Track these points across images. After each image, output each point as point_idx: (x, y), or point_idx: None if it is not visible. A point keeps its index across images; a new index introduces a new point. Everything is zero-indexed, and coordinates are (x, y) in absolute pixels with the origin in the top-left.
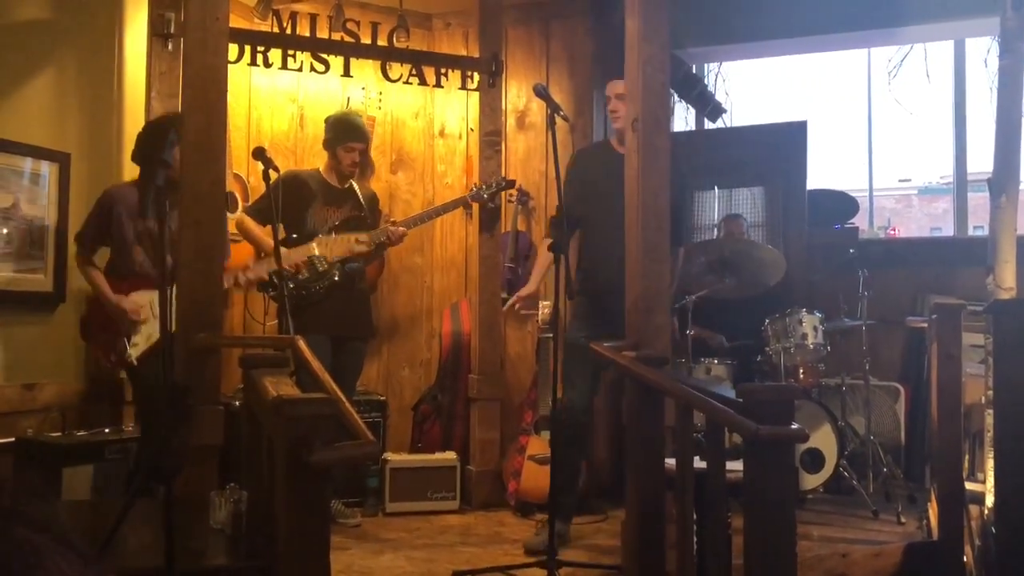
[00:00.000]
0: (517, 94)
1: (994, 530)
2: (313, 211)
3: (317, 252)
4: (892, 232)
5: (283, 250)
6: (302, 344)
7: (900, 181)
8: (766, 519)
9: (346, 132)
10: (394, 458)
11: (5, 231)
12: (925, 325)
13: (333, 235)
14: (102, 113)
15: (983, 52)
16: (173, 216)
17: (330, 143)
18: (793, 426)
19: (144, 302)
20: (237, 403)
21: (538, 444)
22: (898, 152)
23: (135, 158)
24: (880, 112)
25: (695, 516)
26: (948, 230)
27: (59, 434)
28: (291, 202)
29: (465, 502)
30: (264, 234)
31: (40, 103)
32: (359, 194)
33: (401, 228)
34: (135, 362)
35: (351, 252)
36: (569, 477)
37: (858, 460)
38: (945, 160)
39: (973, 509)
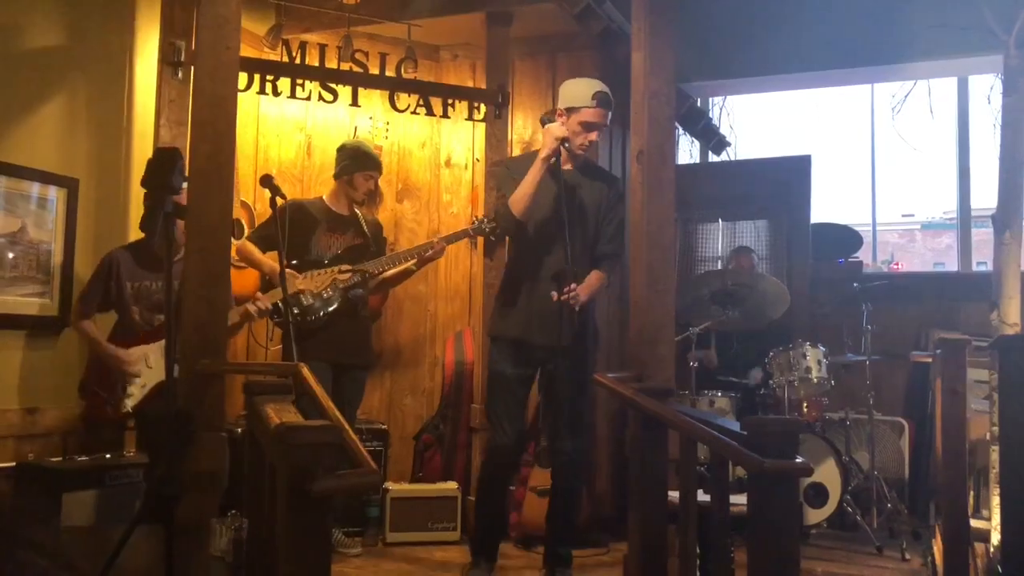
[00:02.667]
0: (523, 125)
1: (1000, 569)
2: (316, 238)
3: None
4: (895, 267)
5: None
6: (306, 371)
7: (903, 216)
8: (770, 554)
9: (365, 160)
10: (395, 488)
11: (11, 255)
12: (929, 360)
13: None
14: (111, 139)
15: (986, 89)
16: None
17: (347, 169)
18: (798, 460)
19: (139, 355)
20: (239, 430)
21: (540, 476)
22: (901, 187)
23: (144, 184)
24: (883, 147)
25: (698, 550)
26: (951, 265)
27: (60, 459)
28: (294, 231)
29: (466, 533)
30: (266, 258)
31: (50, 128)
32: (362, 222)
33: (442, 242)
34: (130, 410)
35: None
36: (496, 514)
37: (862, 495)
38: (948, 195)
39: (979, 547)
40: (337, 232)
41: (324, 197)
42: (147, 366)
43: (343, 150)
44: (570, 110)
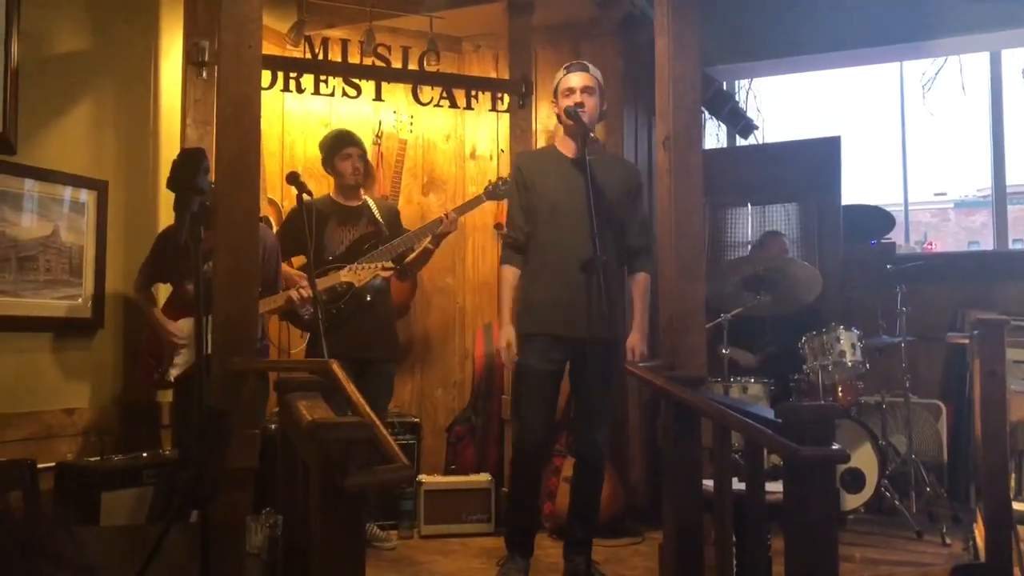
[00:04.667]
0: (547, 114)
1: None
2: (328, 234)
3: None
4: (929, 247)
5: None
6: (337, 368)
7: (936, 195)
8: (807, 541)
9: (337, 140)
10: (428, 480)
11: (45, 259)
12: (966, 341)
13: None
14: (138, 141)
15: (1020, 63)
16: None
17: (327, 159)
18: (834, 446)
19: (188, 328)
20: (273, 426)
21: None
22: (933, 165)
23: (170, 185)
24: (914, 125)
25: (734, 539)
26: (986, 243)
27: (98, 458)
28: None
29: (500, 524)
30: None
31: (79, 132)
32: (374, 209)
33: (452, 213)
34: (172, 380)
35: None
36: (529, 508)
37: (900, 480)
38: (982, 173)
39: (1021, 530)
40: (348, 224)
41: (330, 193)
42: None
43: (320, 146)
44: (555, 92)
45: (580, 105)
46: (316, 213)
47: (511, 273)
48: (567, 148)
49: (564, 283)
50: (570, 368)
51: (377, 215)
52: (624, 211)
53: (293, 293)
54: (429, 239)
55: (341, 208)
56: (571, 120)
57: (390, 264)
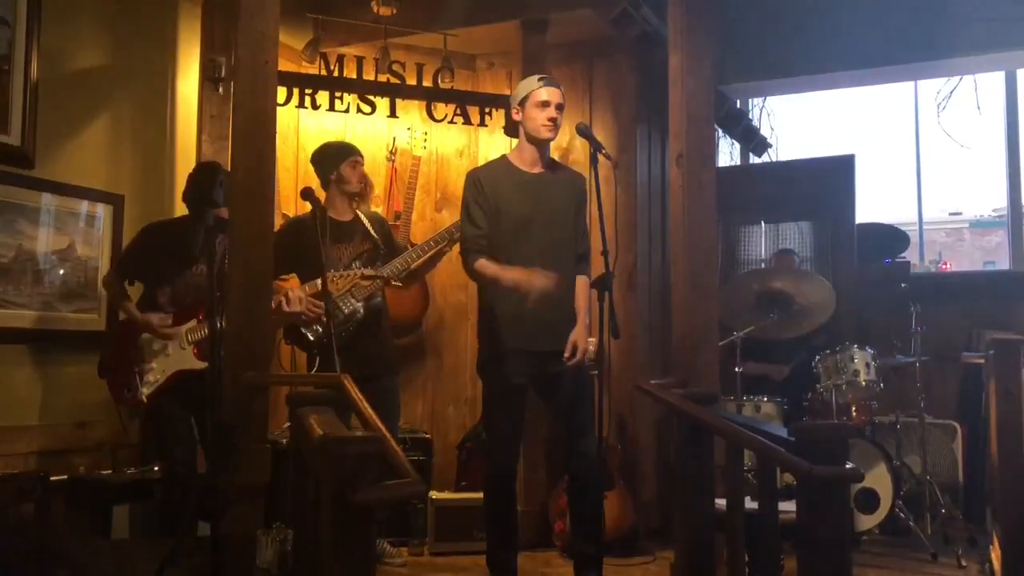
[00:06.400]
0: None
1: None
2: (324, 252)
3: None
4: (943, 267)
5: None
6: (348, 382)
7: (951, 214)
8: (820, 561)
9: (343, 148)
10: (439, 497)
11: (61, 272)
12: (982, 361)
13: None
14: (154, 155)
15: None
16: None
17: (330, 168)
18: (848, 466)
19: (167, 328)
20: (284, 441)
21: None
22: (948, 185)
23: (185, 198)
24: (929, 144)
25: (746, 558)
26: (1001, 264)
27: (110, 472)
28: (298, 250)
29: None
30: (279, 283)
31: (96, 147)
32: (366, 223)
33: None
34: (144, 399)
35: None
36: (507, 529)
37: (914, 501)
38: (997, 192)
39: None
40: (343, 241)
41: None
42: (166, 354)
43: (315, 157)
44: (522, 101)
45: (554, 120)
46: (305, 230)
47: (488, 261)
48: (524, 161)
49: (531, 299)
50: (540, 386)
51: (370, 230)
52: (574, 221)
53: (290, 294)
54: (445, 244)
55: (335, 224)
56: (583, 136)
57: (370, 272)
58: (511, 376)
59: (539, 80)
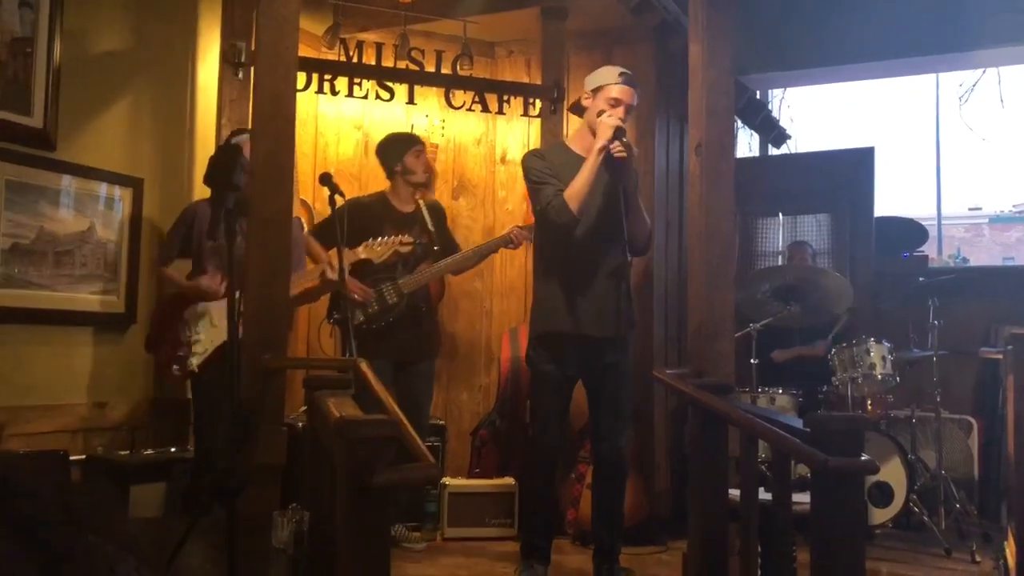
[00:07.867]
0: (579, 120)
1: None
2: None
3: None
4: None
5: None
6: (365, 366)
7: (970, 209)
8: (834, 554)
9: (406, 138)
10: (452, 483)
11: (81, 254)
12: (1000, 356)
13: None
14: (174, 139)
15: None
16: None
17: (395, 158)
18: (863, 458)
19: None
20: (300, 424)
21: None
22: (968, 179)
23: (206, 181)
24: (949, 138)
25: (759, 549)
26: (1020, 259)
27: (127, 452)
28: (358, 231)
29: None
30: (325, 253)
31: (117, 130)
32: (427, 217)
33: (524, 231)
34: (196, 369)
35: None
36: (546, 515)
37: (929, 495)
38: (1018, 187)
39: None
40: (403, 231)
41: (386, 193)
42: (212, 324)
43: (381, 149)
44: (596, 90)
45: (618, 128)
46: (368, 211)
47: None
48: (582, 147)
49: (584, 283)
50: (587, 372)
51: (429, 224)
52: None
53: (327, 267)
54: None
55: (397, 214)
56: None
57: (408, 239)
58: (557, 361)
59: (620, 75)
